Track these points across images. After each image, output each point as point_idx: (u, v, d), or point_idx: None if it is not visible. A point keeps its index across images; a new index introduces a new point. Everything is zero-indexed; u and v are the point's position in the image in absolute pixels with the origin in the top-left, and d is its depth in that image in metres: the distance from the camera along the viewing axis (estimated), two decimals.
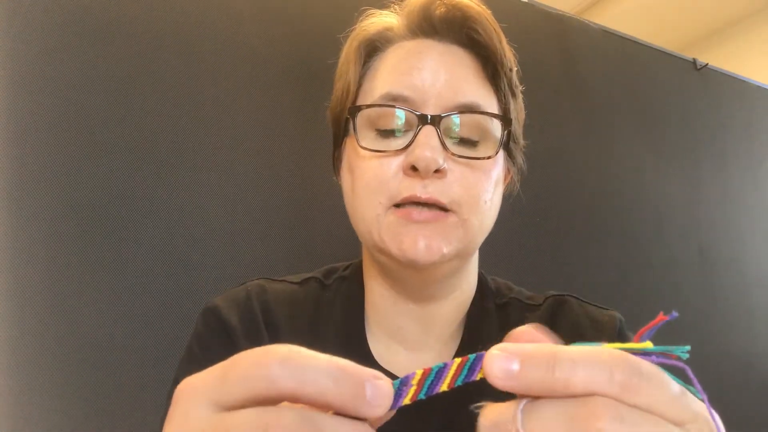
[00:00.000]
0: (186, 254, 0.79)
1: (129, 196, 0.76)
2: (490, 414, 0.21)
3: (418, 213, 0.44)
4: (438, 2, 0.47)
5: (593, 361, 0.20)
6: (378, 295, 0.52)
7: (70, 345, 0.70)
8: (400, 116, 0.45)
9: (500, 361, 0.20)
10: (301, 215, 0.88)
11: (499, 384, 0.20)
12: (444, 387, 0.22)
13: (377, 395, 0.20)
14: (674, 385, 0.20)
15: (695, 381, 0.21)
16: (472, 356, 0.22)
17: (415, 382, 0.22)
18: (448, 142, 0.45)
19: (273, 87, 0.89)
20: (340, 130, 0.51)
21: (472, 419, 0.22)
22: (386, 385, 0.21)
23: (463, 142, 0.46)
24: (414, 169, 0.43)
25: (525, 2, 1.21)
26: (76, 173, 0.73)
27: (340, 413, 0.20)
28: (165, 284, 0.77)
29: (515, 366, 0.20)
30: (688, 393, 0.21)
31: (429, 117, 0.44)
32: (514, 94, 0.50)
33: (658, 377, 0.20)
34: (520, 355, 0.20)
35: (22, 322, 0.68)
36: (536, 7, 1.23)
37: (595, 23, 1.33)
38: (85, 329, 0.71)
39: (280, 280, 0.56)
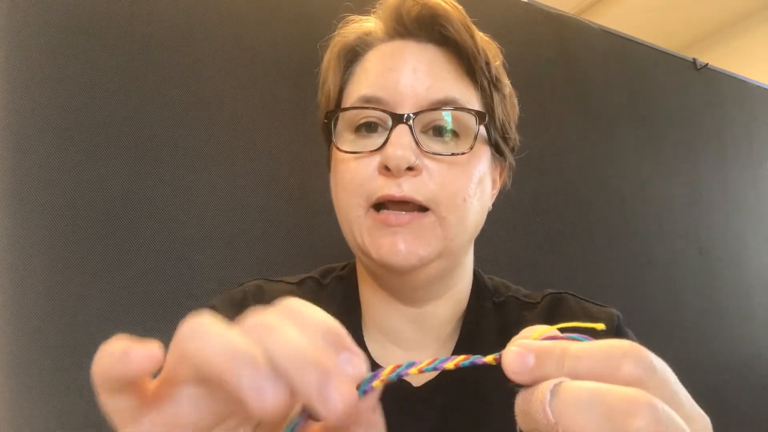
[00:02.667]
0: (186, 254, 0.79)
1: (129, 196, 0.76)
2: (522, 397, 0.21)
3: (395, 217, 0.44)
4: (409, 3, 0.47)
5: (603, 355, 0.20)
6: (371, 296, 0.52)
7: (70, 345, 0.70)
8: (375, 117, 0.46)
9: (518, 357, 0.21)
10: (300, 215, 0.88)
11: (516, 378, 0.21)
12: (414, 371, 0.23)
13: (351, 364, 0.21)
14: (676, 382, 0.21)
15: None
16: (465, 362, 0.22)
17: (384, 374, 0.23)
18: (426, 140, 0.45)
19: (273, 87, 0.89)
20: (327, 134, 0.51)
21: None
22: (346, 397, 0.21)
23: (443, 139, 0.46)
24: (388, 168, 0.43)
25: (525, 2, 1.21)
26: (75, 173, 0.73)
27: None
28: (165, 284, 0.77)
29: (531, 360, 0.21)
30: (689, 397, 0.22)
31: (404, 116, 0.44)
32: (496, 87, 0.50)
33: (665, 372, 0.21)
34: (534, 350, 0.21)
35: (22, 322, 0.68)
36: (536, 7, 1.23)
37: (595, 23, 1.33)
38: (85, 329, 0.71)
39: (278, 281, 0.56)
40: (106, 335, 0.76)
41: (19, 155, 0.70)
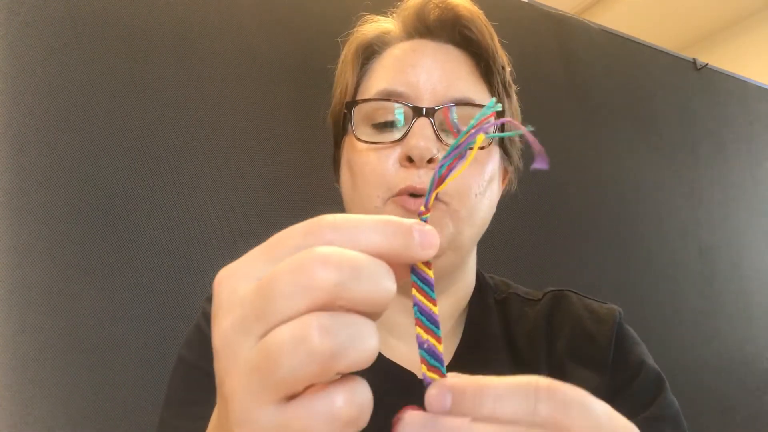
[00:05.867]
0: (186, 254, 0.79)
1: (129, 196, 0.76)
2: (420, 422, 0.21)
3: (413, 202, 0.45)
4: (431, 4, 0.49)
5: (518, 394, 0.20)
6: None
7: (70, 345, 0.70)
8: (395, 110, 0.47)
9: (436, 397, 0.21)
10: (300, 215, 0.88)
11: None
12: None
13: (425, 238, 0.21)
14: (599, 411, 0.20)
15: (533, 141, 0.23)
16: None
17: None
18: (444, 135, 0.46)
19: (273, 87, 0.89)
20: (339, 129, 0.53)
21: None
22: (431, 229, 0.22)
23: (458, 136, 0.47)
24: (410, 159, 0.44)
25: (525, 2, 1.21)
26: (76, 173, 0.73)
27: (398, 263, 0.21)
28: (165, 284, 0.77)
29: (448, 400, 0.21)
30: (616, 417, 0.21)
31: (424, 109, 0.45)
32: (508, 94, 0.52)
33: (581, 405, 0.20)
34: (452, 389, 0.21)
35: (22, 321, 0.68)
36: (536, 7, 1.23)
37: (595, 23, 1.33)
38: (85, 329, 0.71)
39: None
40: (106, 335, 0.76)
41: (19, 155, 0.70)
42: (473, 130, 0.23)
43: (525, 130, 0.23)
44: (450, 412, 0.20)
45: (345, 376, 0.20)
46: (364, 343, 0.19)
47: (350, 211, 0.51)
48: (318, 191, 0.90)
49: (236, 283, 0.21)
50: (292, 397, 0.19)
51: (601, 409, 0.20)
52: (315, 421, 0.18)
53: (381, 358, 0.50)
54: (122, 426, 0.71)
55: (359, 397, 0.19)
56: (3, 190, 0.69)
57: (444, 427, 0.20)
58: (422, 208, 0.23)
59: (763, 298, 1.54)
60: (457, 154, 0.23)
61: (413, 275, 0.23)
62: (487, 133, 0.23)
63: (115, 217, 0.75)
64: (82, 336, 0.71)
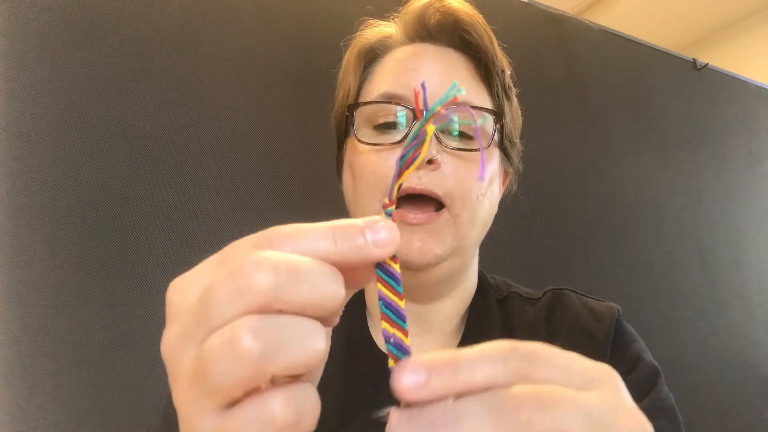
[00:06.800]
0: (187, 255, 0.79)
1: (129, 196, 0.76)
2: (404, 423, 0.20)
3: (413, 216, 0.45)
4: (432, 9, 0.50)
5: (488, 357, 0.20)
6: (376, 293, 0.53)
7: (70, 344, 0.70)
8: (396, 113, 0.48)
9: (409, 375, 0.20)
10: (300, 216, 0.88)
11: (410, 397, 0.19)
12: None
13: (379, 236, 0.21)
14: (567, 357, 0.21)
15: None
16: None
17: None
18: (444, 137, 0.47)
19: (273, 88, 0.89)
20: (342, 131, 0.53)
21: None
22: (386, 224, 0.21)
23: (459, 139, 0.48)
24: None
25: (525, 2, 1.21)
26: (76, 173, 0.73)
27: (353, 268, 0.21)
28: (165, 284, 0.77)
29: (422, 377, 0.20)
30: (584, 360, 0.21)
31: (424, 112, 0.45)
32: (507, 96, 0.52)
33: (548, 355, 0.20)
34: (424, 366, 0.20)
35: (22, 321, 0.68)
36: (536, 7, 1.23)
37: (595, 23, 1.33)
38: (85, 329, 0.71)
39: None
40: (106, 335, 0.77)
41: (20, 156, 0.70)
42: (439, 112, 0.23)
43: (471, 112, 0.23)
44: (426, 388, 0.19)
45: (291, 381, 0.19)
46: (303, 344, 0.19)
47: (352, 212, 0.51)
48: (318, 191, 0.89)
49: (185, 292, 0.21)
50: (233, 404, 0.19)
51: (568, 354, 0.21)
52: (249, 427, 0.18)
53: (383, 356, 0.50)
54: (122, 426, 0.71)
55: (299, 402, 0.19)
56: (3, 190, 0.69)
57: (431, 415, 0.19)
58: (386, 201, 0.23)
59: (763, 299, 1.54)
60: (419, 143, 0.23)
61: (378, 269, 0.22)
62: (449, 119, 0.23)
63: (115, 217, 0.75)
64: (82, 336, 0.71)
